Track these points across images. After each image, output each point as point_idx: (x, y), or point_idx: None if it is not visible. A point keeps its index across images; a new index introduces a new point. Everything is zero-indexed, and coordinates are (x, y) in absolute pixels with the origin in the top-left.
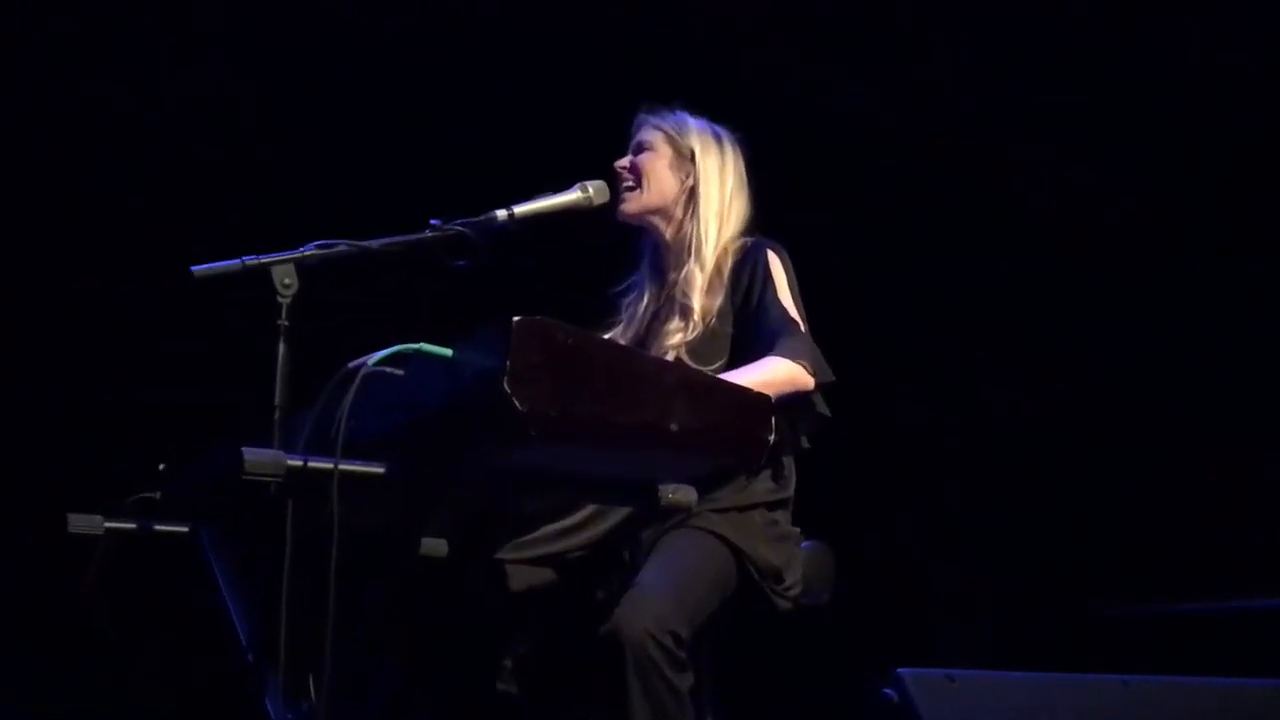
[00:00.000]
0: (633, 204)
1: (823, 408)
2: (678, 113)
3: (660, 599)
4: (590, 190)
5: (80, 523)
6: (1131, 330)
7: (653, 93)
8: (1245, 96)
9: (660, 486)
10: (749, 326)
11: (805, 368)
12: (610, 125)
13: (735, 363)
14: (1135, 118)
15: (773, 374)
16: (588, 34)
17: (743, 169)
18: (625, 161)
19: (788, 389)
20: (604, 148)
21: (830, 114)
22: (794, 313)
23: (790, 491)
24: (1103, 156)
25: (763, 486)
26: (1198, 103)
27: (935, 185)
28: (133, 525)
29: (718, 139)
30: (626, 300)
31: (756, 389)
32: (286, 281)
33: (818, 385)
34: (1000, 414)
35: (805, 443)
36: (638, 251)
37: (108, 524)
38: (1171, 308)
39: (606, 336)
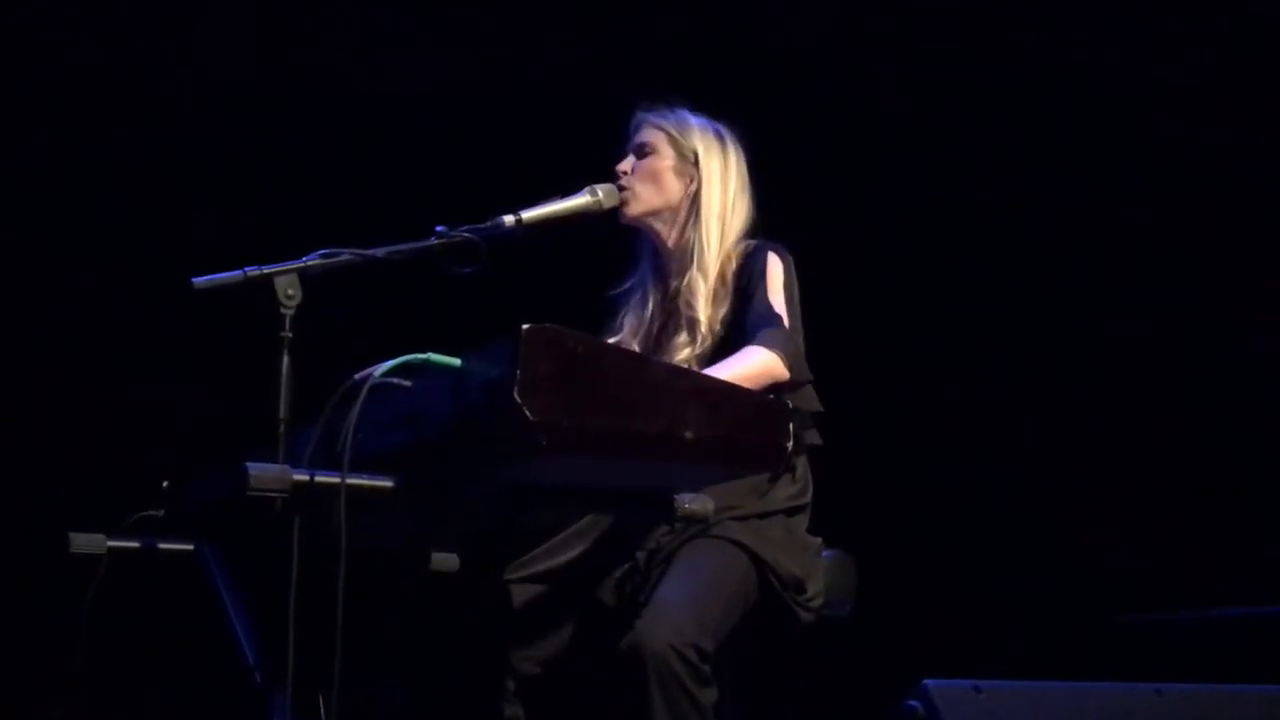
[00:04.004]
0: (634, 207)
1: (815, 404)
2: (678, 111)
3: (682, 612)
4: (599, 194)
5: (83, 542)
6: (1154, 333)
7: (661, 92)
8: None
9: (676, 496)
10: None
11: (781, 359)
12: (619, 126)
13: None
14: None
15: (748, 366)
16: (592, 34)
17: (745, 168)
18: (626, 165)
19: (765, 380)
20: (611, 150)
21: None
22: (780, 309)
23: (808, 498)
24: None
25: (783, 493)
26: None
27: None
28: (136, 544)
29: (720, 139)
30: (627, 304)
31: (734, 382)
32: (290, 292)
33: (796, 381)
34: (1027, 420)
35: (816, 437)
36: (637, 253)
37: (110, 543)
38: (1191, 315)
39: (610, 342)
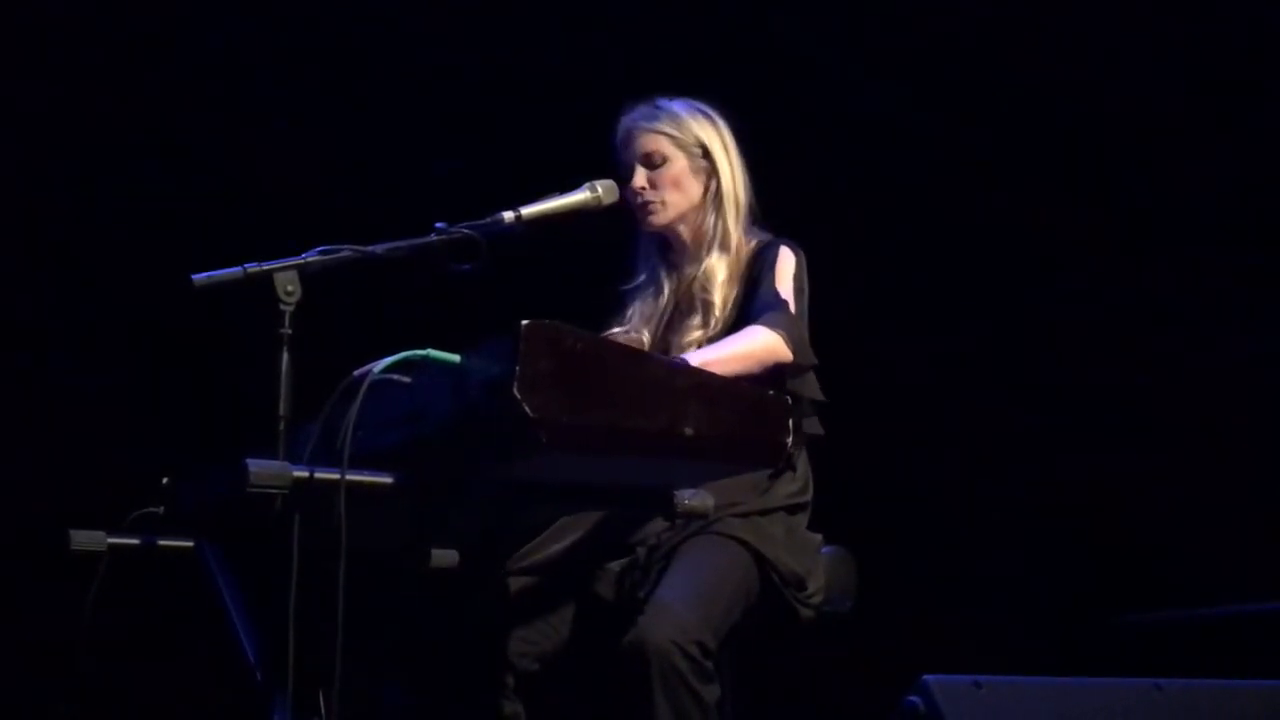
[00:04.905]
0: (664, 216)
1: (816, 393)
2: (662, 107)
3: (685, 609)
4: (599, 189)
5: (83, 539)
6: (1156, 331)
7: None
8: None
9: (676, 493)
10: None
11: (784, 339)
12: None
13: None
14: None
15: (751, 344)
16: (592, 31)
17: (732, 136)
18: (641, 179)
19: (767, 360)
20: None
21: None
22: (786, 295)
23: (809, 495)
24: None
25: (783, 490)
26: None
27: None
28: (136, 541)
29: (710, 119)
30: (637, 298)
31: (735, 360)
32: (289, 289)
33: (800, 365)
34: (1026, 415)
35: (816, 426)
36: (643, 247)
37: (110, 540)
38: (1192, 315)
39: (616, 331)
